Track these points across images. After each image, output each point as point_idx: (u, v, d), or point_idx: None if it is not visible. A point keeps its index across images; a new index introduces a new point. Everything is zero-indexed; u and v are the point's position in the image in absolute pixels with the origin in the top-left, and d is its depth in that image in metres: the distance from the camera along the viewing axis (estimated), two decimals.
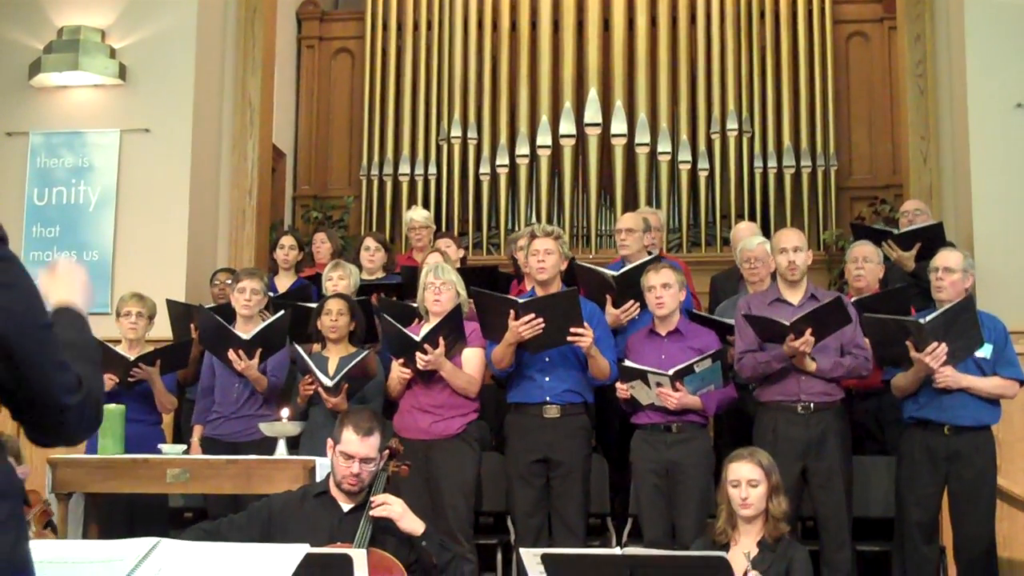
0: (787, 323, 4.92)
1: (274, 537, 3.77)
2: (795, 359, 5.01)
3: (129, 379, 5.56)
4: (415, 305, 5.48)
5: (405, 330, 5.16)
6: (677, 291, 5.24)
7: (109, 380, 5.42)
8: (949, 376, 4.89)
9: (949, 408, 4.94)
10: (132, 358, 5.58)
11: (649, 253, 6.14)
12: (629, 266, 5.75)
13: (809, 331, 4.89)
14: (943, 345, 4.80)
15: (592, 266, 5.92)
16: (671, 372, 4.98)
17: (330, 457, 3.97)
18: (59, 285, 2.07)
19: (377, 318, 5.68)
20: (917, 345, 4.82)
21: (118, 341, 5.78)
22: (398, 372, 5.21)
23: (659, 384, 5.00)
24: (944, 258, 5.10)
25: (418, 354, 5.04)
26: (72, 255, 7.13)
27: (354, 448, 3.86)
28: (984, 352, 4.98)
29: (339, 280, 6.00)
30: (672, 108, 9.94)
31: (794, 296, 5.20)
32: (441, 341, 5.03)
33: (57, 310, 2.00)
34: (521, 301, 5.05)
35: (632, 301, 5.60)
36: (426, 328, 5.17)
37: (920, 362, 4.84)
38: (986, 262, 6.44)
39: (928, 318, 4.84)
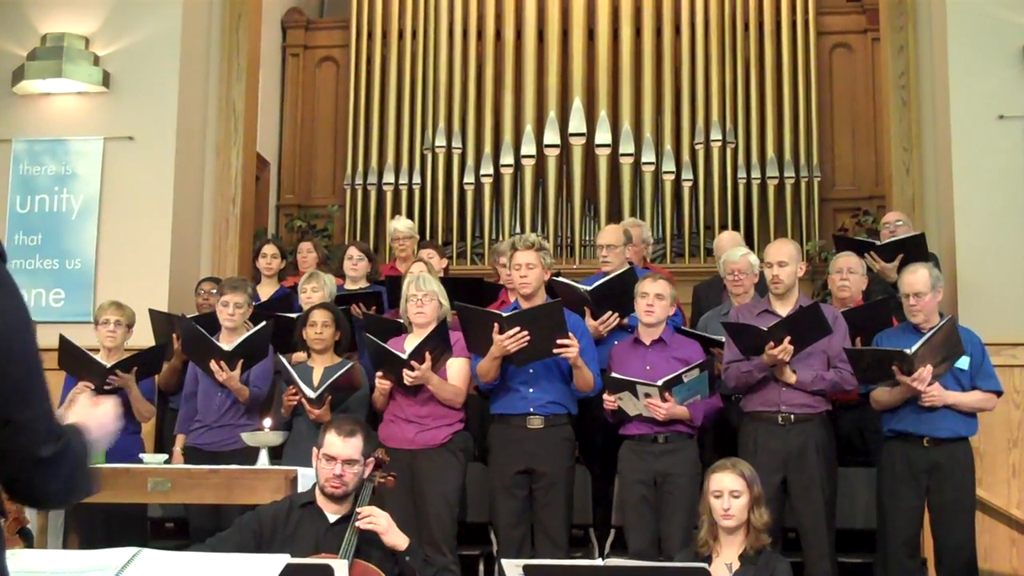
0: (764, 328, 4.94)
1: (263, 549, 3.76)
2: (775, 370, 5.02)
3: (105, 387, 5.52)
4: (400, 320, 5.45)
5: (389, 347, 5.12)
6: (668, 304, 5.27)
7: (85, 387, 5.44)
8: (936, 396, 4.92)
9: (928, 420, 4.96)
10: (109, 365, 5.57)
11: (629, 264, 6.14)
12: (600, 280, 5.74)
13: (787, 339, 4.91)
14: (929, 367, 4.83)
15: (568, 282, 5.88)
16: (660, 383, 4.97)
17: (314, 464, 3.97)
18: (89, 415, 2.01)
19: (358, 335, 5.67)
20: (904, 370, 4.84)
21: (97, 350, 5.76)
22: (380, 384, 5.20)
23: (647, 395, 4.99)
24: (911, 284, 5.08)
25: (405, 371, 5.02)
26: (54, 263, 7.13)
27: (336, 449, 3.85)
28: (962, 363, 5.01)
29: (312, 292, 5.98)
30: (656, 118, 9.95)
31: (783, 308, 5.20)
32: (428, 356, 5.00)
33: (73, 425, 1.92)
34: (505, 315, 5.02)
35: (610, 312, 5.60)
36: (411, 341, 5.15)
37: (907, 385, 4.87)
38: (968, 273, 6.47)
39: (915, 347, 4.81)
